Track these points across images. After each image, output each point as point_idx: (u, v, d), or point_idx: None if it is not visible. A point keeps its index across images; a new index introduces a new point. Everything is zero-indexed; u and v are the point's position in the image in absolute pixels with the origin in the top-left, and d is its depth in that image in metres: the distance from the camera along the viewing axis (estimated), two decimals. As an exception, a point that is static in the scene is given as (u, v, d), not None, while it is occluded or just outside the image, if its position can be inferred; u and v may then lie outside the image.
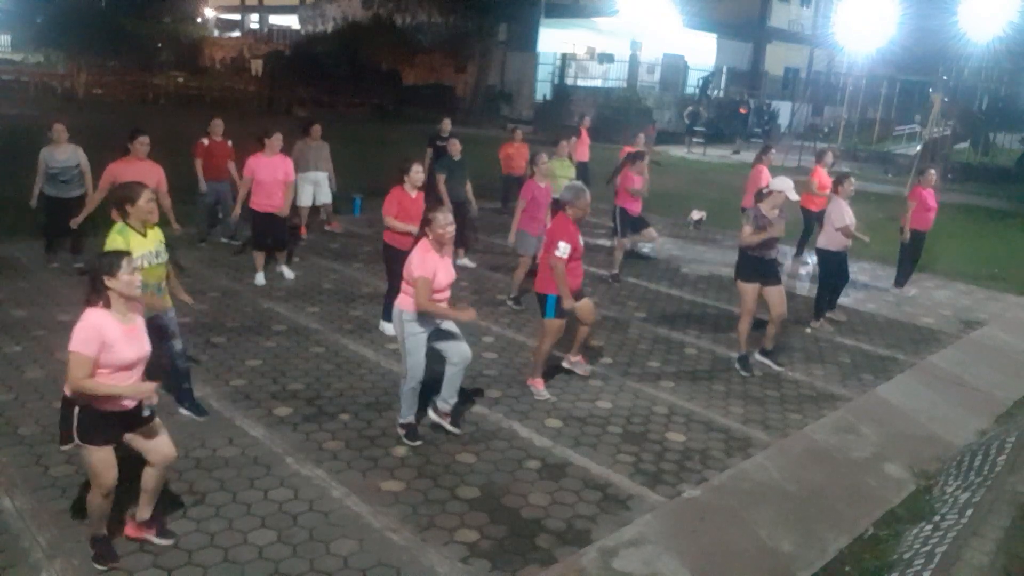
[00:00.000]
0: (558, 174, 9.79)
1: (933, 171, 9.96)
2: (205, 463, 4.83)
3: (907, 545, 4.50)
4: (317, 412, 5.61)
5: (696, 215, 13.42)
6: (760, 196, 6.91)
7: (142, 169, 7.21)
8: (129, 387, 3.67)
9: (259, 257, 8.56)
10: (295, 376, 6.19)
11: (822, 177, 10.54)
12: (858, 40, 24.03)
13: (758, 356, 7.15)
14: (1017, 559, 4.18)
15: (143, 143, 7.42)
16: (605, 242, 11.46)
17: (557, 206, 6.27)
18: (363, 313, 7.77)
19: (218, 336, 6.90)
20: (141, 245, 4.74)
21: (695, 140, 26.99)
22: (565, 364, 6.57)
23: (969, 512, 4.60)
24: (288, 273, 8.81)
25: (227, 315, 7.46)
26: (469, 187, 9.58)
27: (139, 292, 3.76)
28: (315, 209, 10.86)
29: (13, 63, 39.59)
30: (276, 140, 8.38)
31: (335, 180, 10.74)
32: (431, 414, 5.44)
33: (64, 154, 8.27)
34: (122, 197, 4.79)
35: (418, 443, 5.21)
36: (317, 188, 10.56)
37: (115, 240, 4.67)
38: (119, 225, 4.77)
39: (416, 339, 5.12)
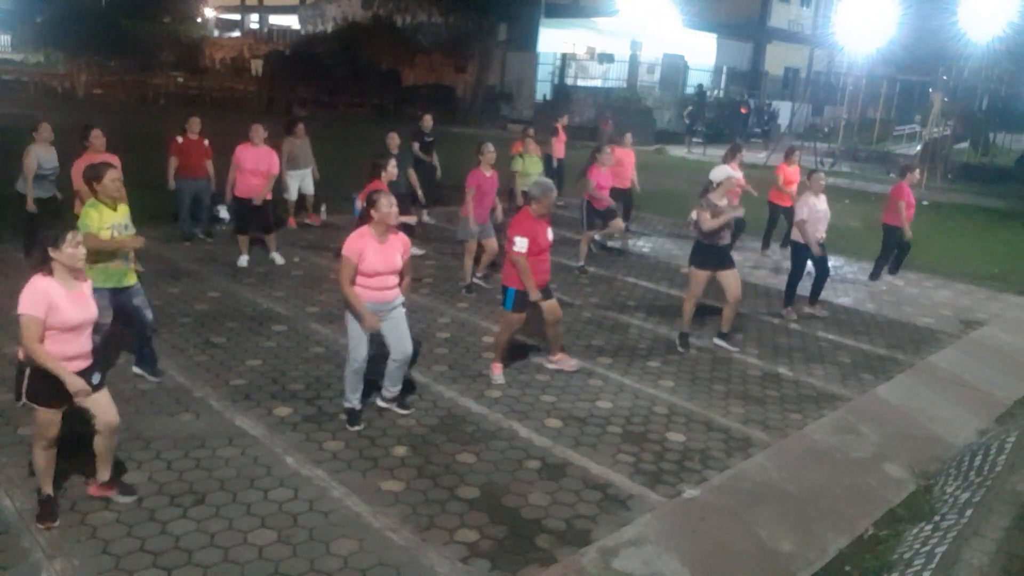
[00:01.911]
0: (529, 171, 10.45)
1: (917, 168, 10.31)
2: (205, 463, 4.82)
3: (907, 545, 4.50)
4: (317, 412, 5.61)
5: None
6: (707, 189, 7.37)
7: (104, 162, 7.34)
8: (70, 377, 3.90)
9: (242, 241, 9.17)
10: (295, 376, 6.19)
11: (786, 173, 10.95)
12: (858, 40, 23.98)
13: (715, 340, 7.52)
14: (1017, 559, 4.18)
15: (97, 136, 7.74)
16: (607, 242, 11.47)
17: (527, 200, 6.52)
18: (363, 313, 7.77)
19: (218, 336, 6.90)
20: (111, 217, 5.34)
21: (695, 140, 26.99)
22: (551, 366, 6.66)
23: (969, 512, 4.60)
24: (279, 259, 9.31)
25: (227, 315, 7.46)
26: (411, 177, 10.25)
27: (82, 264, 4.01)
28: (301, 202, 11.47)
29: (13, 63, 39.59)
30: (256, 131, 9.04)
31: (317, 172, 11.41)
32: (378, 401, 5.72)
33: (50, 153, 8.43)
34: (90, 176, 5.35)
35: (359, 427, 5.36)
36: (303, 182, 11.22)
37: (88, 214, 5.28)
38: (91, 200, 5.37)
39: (356, 324, 5.26)
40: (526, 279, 6.07)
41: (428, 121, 12.19)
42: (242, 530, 4.21)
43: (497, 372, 6.39)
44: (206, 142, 9.95)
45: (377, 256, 5.18)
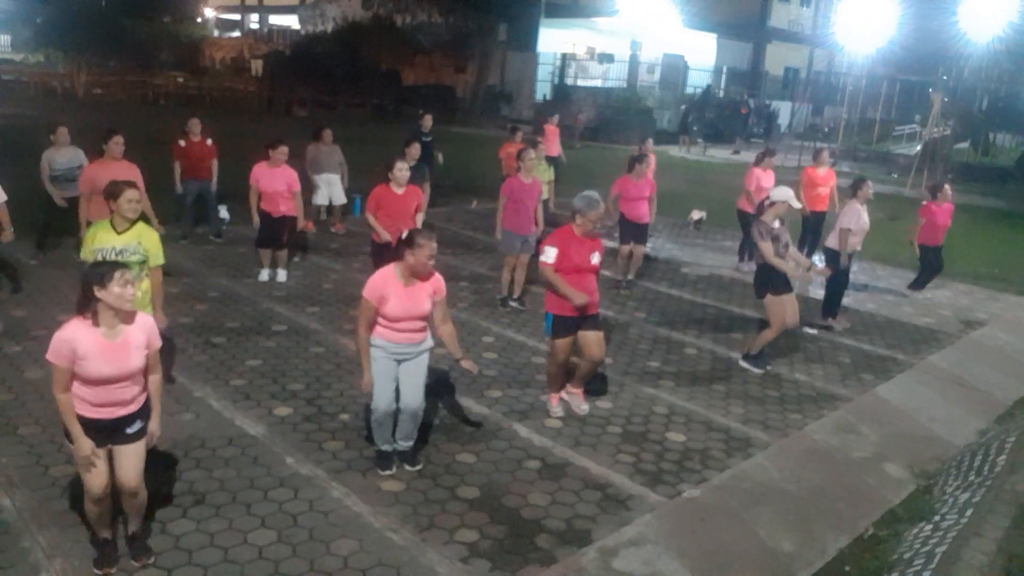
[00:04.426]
0: (539, 175, 9.91)
1: (948, 187, 9.83)
2: (205, 463, 4.82)
3: (907, 545, 4.51)
4: (317, 412, 5.61)
5: (696, 215, 13.42)
6: (761, 208, 6.94)
7: (118, 170, 7.25)
8: (78, 440, 3.57)
9: (263, 254, 8.64)
10: (295, 376, 6.19)
11: (815, 177, 10.36)
12: (858, 40, 24.04)
13: (741, 361, 7.11)
14: (1017, 559, 4.18)
15: (117, 143, 7.47)
16: (607, 243, 11.51)
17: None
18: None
19: (218, 336, 6.90)
20: (106, 240, 4.92)
21: (696, 140, 26.97)
22: (563, 394, 6.02)
23: (969, 512, 4.60)
24: (281, 275, 8.69)
25: (227, 315, 7.46)
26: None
27: (130, 305, 3.58)
28: (330, 208, 11.31)
29: (13, 63, 39.62)
30: (280, 153, 8.29)
31: (347, 180, 11.13)
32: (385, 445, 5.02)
33: (65, 156, 8.47)
34: (108, 193, 5.01)
35: (389, 472, 4.85)
36: (331, 188, 10.95)
37: (85, 239, 5.01)
38: (102, 222, 5.08)
39: (379, 364, 4.67)
40: (563, 288, 5.44)
41: (427, 121, 12.19)
42: (242, 530, 4.20)
43: (554, 403, 5.88)
44: (209, 142, 9.97)
45: (399, 301, 4.56)
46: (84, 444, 3.58)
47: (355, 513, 4.42)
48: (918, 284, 9.96)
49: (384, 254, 7.02)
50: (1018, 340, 8.47)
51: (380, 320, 4.63)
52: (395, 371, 4.73)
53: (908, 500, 5.15)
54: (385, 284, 4.57)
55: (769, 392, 6.56)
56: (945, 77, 23.11)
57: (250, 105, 32.62)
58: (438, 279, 4.74)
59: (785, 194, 6.83)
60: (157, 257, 5.11)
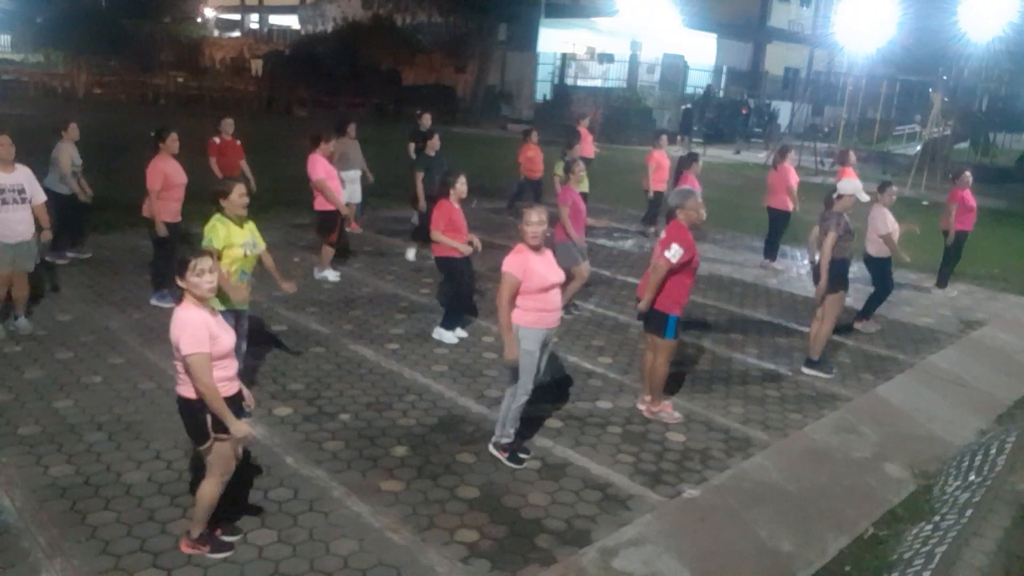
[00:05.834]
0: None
1: (968, 172, 9.89)
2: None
3: (907, 545, 4.51)
4: (317, 412, 5.61)
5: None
6: (831, 201, 6.86)
7: (178, 166, 7.40)
8: (235, 422, 3.73)
9: (330, 253, 8.86)
10: (295, 376, 6.19)
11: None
12: (858, 40, 24.01)
13: (804, 369, 7.03)
14: (1017, 559, 4.19)
15: (173, 140, 7.41)
16: (607, 243, 11.52)
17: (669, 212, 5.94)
18: (363, 313, 7.77)
19: (218, 336, 6.89)
20: (239, 235, 5.06)
21: (695, 140, 26.96)
22: (643, 409, 5.98)
23: (969, 512, 4.60)
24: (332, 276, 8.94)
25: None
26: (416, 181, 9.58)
27: (211, 294, 3.81)
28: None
29: (13, 63, 39.62)
30: (331, 144, 8.65)
31: (370, 175, 10.97)
32: (491, 449, 5.17)
33: (76, 151, 8.61)
34: (217, 192, 5.08)
35: (522, 467, 5.00)
36: (353, 186, 10.60)
37: (215, 228, 5.00)
38: (218, 215, 5.06)
39: (530, 356, 4.90)
40: (651, 289, 5.54)
41: (426, 120, 12.16)
42: (242, 530, 4.20)
43: (670, 409, 5.90)
44: (238, 142, 10.05)
45: (543, 266, 4.87)
46: (242, 424, 3.76)
47: (355, 513, 4.42)
48: (943, 280, 10.09)
49: (455, 266, 6.96)
50: (1018, 340, 8.47)
51: (533, 301, 4.84)
52: (540, 358, 4.99)
53: (908, 500, 5.15)
54: (522, 257, 4.84)
55: (769, 392, 6.56)
56: (945, 77, 23.10)
57: (250, 105, 32.58)
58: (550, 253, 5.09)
59: (854, 186, 6.80)
60: (262, 241, 5.32)
